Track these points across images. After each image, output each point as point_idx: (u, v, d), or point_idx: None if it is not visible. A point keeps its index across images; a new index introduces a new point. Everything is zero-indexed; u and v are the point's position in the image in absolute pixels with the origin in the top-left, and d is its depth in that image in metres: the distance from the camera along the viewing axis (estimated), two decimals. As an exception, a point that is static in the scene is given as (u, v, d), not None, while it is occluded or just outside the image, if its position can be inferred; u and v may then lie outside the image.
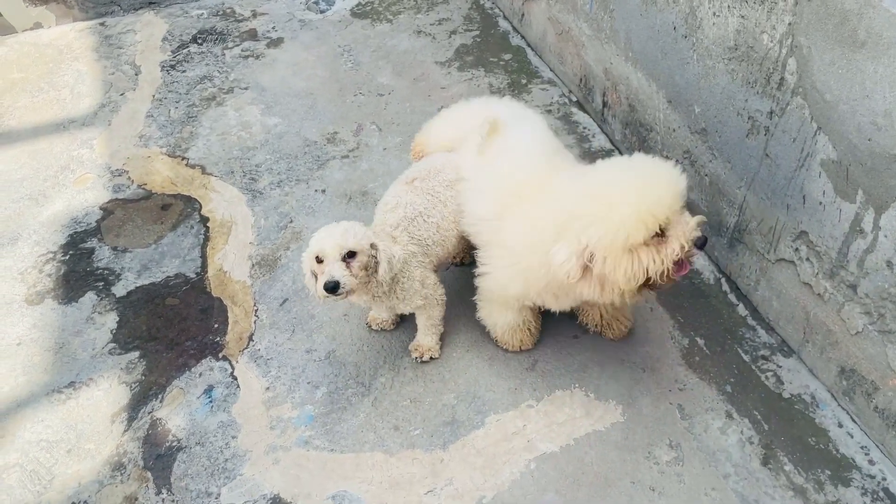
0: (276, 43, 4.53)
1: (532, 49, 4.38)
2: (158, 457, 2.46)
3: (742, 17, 2.44)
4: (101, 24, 4.75)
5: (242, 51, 4.46)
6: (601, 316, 2.69)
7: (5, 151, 3.76)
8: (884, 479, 2.31)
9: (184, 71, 4.30)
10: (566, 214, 2.09)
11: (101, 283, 3.06)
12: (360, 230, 2.29)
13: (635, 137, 3.42)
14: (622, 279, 2.03)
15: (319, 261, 2.24)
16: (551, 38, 4.09)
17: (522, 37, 4.49)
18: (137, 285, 3.05)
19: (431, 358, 2.70)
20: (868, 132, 2.05)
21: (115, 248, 3.22)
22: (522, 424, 2.51)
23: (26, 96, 4.12)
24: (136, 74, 4.28)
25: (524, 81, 4.12)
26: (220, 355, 2.77)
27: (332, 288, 2.18)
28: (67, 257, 3.18)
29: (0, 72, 4.32)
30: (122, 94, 4.13)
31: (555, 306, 2.48)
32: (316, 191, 3.47)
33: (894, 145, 1.98)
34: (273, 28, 4.67)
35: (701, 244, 2.06)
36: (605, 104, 3.66)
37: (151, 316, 2.93)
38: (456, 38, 4.51)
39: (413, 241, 2.48)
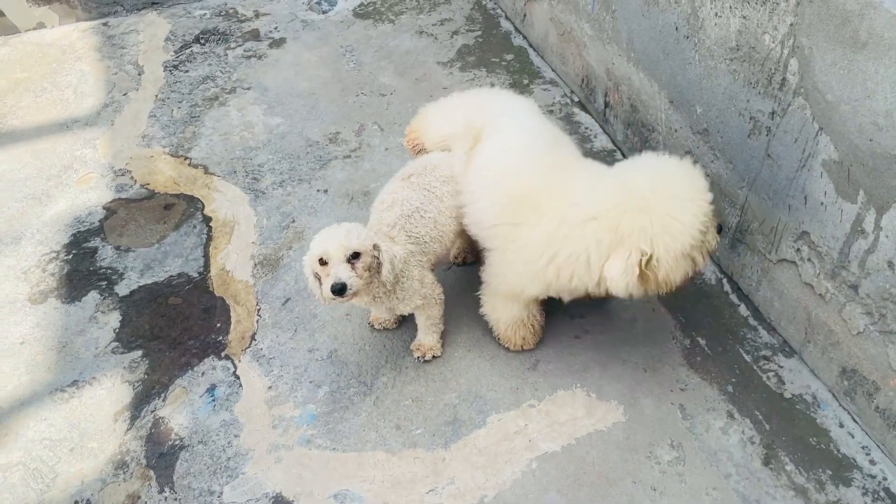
0: (278, 43, 4.54)
1: (534, 49, 4.38)
2: (161, 455, 2.47)
3: (744, 17, 2.45)
4: (104, 24, 4.76)
5: (245, 51, 4.47)
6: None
7: (9, 151, 3.77)
8: (885, 478, 2.31)
9: (186, 71, 4.31)
10: (615, 229, 2.13)
11: (104, 283, 3.07)
12: (363, 231, 2.29)
13: (637, 138, 3.42)
14: (679, 279, 2.19)
15: (323, 263, 2.23)
16: (553, 38, 4.09)
17: (524, 37, 4.49)
18: (140, 284, 3.06)
19: (434, 357, 2.71)
20: (869, 132, 2.05)
21: (118, 248, 3.23)
22: (524, 424, 2.51)
23: (30, 96, 4.14)
24: (139, 74, 4.29)
25: (526, 82, 4.13)
26: (223, 354, 2.78)
27: (340, 290, 2.17)
28: (70, 257, 3.19)
29: (3, 72, 4.33)
30: (125, 94, 4.14)
31: (568, 298, 2.53)
32: (318, 191, 3.47)
33: (895, 146, 1.98)
34: (275, 28, 4.68)
35: (720, 229, 2.27)
36: (606, 104, 3.67)
37: (154, 315, 2.94)
38: (458, 39, 4.52)
39: (411, 239, 2.48)
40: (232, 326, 2.88)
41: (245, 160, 3.67)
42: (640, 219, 2.10)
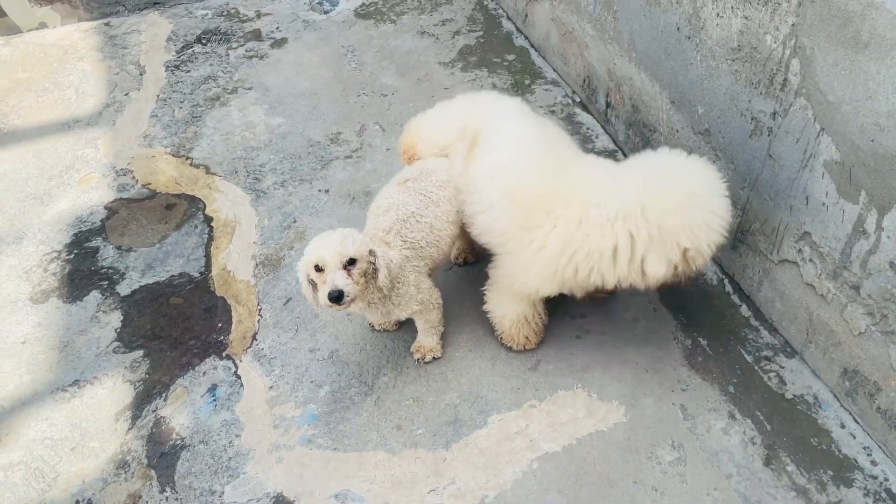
0: (280, 43, 4.55)
1: (535, 50, 4.38)
2: (162, 455, 2.47)
3: (745, 17, 2.44)
4: (106, 24, 4.76)
5: (246, 51, 4.48)
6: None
7: (10, 151, 3.78)
8: (886, 479, 2.31)
9: (188, 71, 4.31)
10: (658, 226, 2.18)
11: (106, 283, 3.07)
12: (358, 236, 2.26)
13: (639, 138, 3.42)
14: (703, 267, 2.33)
15: (318, 269, 2.21)
16: (555, 38, 4.09)
17: (526, 37, 4.49)
18: (142, 284, 3.06)
19: (434, 358, 2.71)
20: (871, 133, 2.05)
21: (119, 248, 3.23)
22: (525, 424, 2.51)
23: (31, 96, 4.14)
24: (141, 74, 4.30)
25: (527, 82, 4.13)
26: (224, 354, 2.78)
27: (337, 297, 2.15)
28: (72, 256, 3.19)
29: (5, 72, 4.34)
30: (126, 94, 4.15)
31: (580, 295, 2.55)
32: (319, 191, 3.48)
33: (897, 146, 1.98)
34: (277, 28, 4.69)
35: None
36: (608, 105, 3.67)
37: (155, 315, 2.94)
38: (459, 39, 4.52)
39: (406, 244, 2.45)
40: (233, 326, 2.89)
41: (246, 160, 3.67)
42: (689, 215, 2.18)
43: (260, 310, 2.94)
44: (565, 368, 2.68)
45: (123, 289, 3.05)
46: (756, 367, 2.65)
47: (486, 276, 2.67)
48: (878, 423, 2.37)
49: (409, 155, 2.83)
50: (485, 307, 2.71)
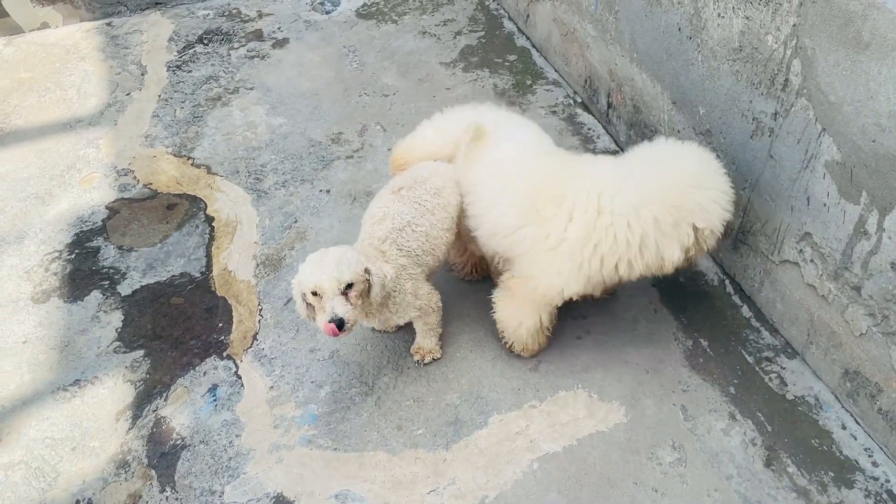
0: (281, 43, 4.55)
1: (537, 50, 4.38)
2: (162, 455, 2.47)
3: (747, 18, 2.44)
4: (108, 24, 4.77)
5: (248, 51, 4.48)
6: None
7: (12, 151, 3.78)
8: (887, 481, 2.31)
9: (190, 71, 4.32)
10: (679, 206, 2.24)
11: (107, 282, 3.08)
12: (352, 257, 2.23)
13: (640, 139, 3.42)
14: (714, 248, 2.40)
15: (315, 294, 2.20)
16: (556, 39, 4.09)
17: (527, 38, 4.49)
18: (143, 284, 3.06)
19: (433, 359, 2.71)
20: (872, 133, 2.04)
21: (120, 248, 3.24)
22: (525, 425, 2.51)
23: (33, 96, 4.15)
24: (143, 74, 4.30)
25: (529, 82, 4.13)
26: (225, 354, 2.78)
27: (338, 326, 2.16)
28: (73, 256, 3.20)
29: (7, 71, 4.34)
30: (128, 94, 4.15)
31: (597, 293, 2.56)
32: (320, 191, 3.48)
33: (899, 147, 1.98)
34: (279, 28, 4.69)
35: None
36: (609, 105, 3.67)
37: (156, 315, 2.94)
38: (461, 39, 4.52)
39: (402, 253, 2.44)
40: (234, 326, 2.89)
41: (248, 160, 3.67)
42: (700, 195, 2.24)
43: (261, 310, 2.94)
44: (566, 369, 2.68)
45: (124, 288, 3.05)
46: (757, 368, 2.64)
47: (486, 277, 2.67)
48: (879, 424, 2.37)
49: (399, 164, 2.83)
50: (496, 317, 2.66)
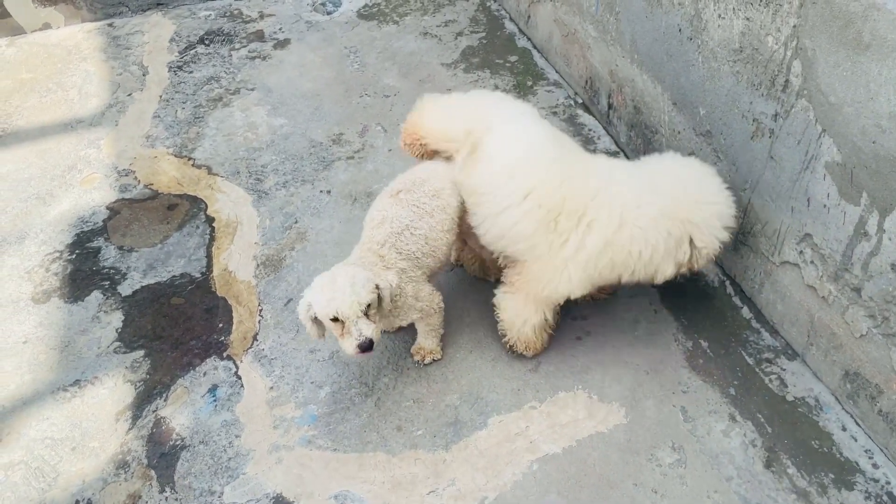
0: (282, 44, 4.55)
1: (538, 51, 4.38)
2: (162, 455, 2.48)
3: (747, 19, 2.44)
4: (110, 24, 4.77)
5: (249, 52, 4.48)
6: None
7: (14, 151, 3.79)
8: (888, 482, 2.30)
9: (191, 72, 4.32)
10: (686, 221, 2.35)
11: (107, 283, 3.08)
12: (362, 276, 2.23)
13: (640, 140, 3.42)
14: (705, 266, 2.52)
15: (336, 320, 2.21)
16: (557, 39, 4.09)
17: (528, 39, 4.49)
18: (143, 284, 3.07)
19: (434, 360, 2.71)
20: (872, 134, 2.04)
21: (121, 248, 3.24)
22: (525, 425, 2.51)
23: (35, 96, 4.15)
24: (144, 75, 4.31)
25: (530, 83, 4.13)
26: (225, 355, 2.78)
27: (369, 347, 2.20)
28: (74, 256, 3.20)
29: (9, 72, 4.35)
30: (129, 95, 4.15)
31: (594, 291, 2.63)
32: (321, 191, 3.48)
33: (899, 148, 1.97)
34: (280, 29, 4.69)
35: None
36: (610, 106, 3.67)
37: (156, 315, 2.94)
38: (462, 40, 4.52)
39: (402, 256, 2.44)
40: (234, 327, 2.89)
41: (248, 161, 3.68)
42: (703, 212, 2.34)
43: (261, 310, 2.94)
44: (566, 370, 2.68)
45: (125, 289, 3.05)
46: (757, 370, 2.64)
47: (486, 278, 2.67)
48: (879, 425, 2.36)
49: (410, 141, 2.79)
50: (501, 317, 2.65)
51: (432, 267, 2.56)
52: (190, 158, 3.71)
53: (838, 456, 2.38)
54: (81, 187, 3.55)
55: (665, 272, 2.40)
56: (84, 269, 3.14)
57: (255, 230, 3.30)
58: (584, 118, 3.86)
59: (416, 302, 2.49)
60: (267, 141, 3.80)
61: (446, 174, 2.62)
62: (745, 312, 2.83)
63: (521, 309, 2.57)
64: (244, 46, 4.54)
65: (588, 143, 3.69)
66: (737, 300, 2.88)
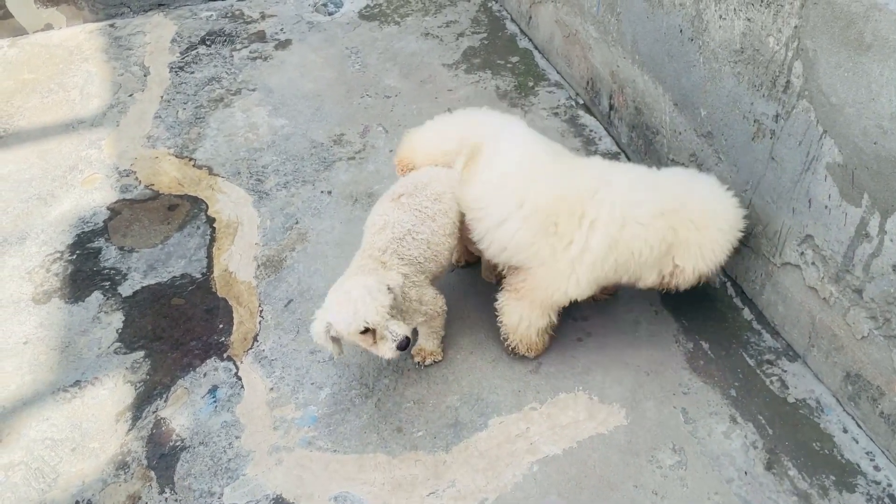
0: (284, 45, 4.55)
1: (539, 52, 4.38)
2: (162, 456, 2.47)
3: (748, 20, 2.43)
4: (111, 25, 4.78)
5: (250, 52, 4.48)
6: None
7: (15, 151, 3.79)
8: (889, 484, 2.29)
9: (192, 72, 4.32)
10: (674, 230, 2.34)
11: (108, 283, 3.08)
12: (374, 283, 2.25)
13: (641, 140, 3.41)
14: (684, 287, 2.47)
15: (366, 331, 2.22)
16: (558, 40, 4.09)
17: (530, 39, 4.49)
18: (143, 285, 3.07)
19: (434, 361, 2.70)
20: (874, 135, 2.04)
21: (121, 248, 3.24)
22: (525, 427, 2.50)
23: (36, 97, 4.15)
24: (145, 75, 4.31)
25: (531, 84, 4.12)
26: (225, 355, 2.78)
27: (408, 344, 2.24)
28: (74, 257, 3.20)
29: (11, 72, 4.35)
30: (130, 95, 4.16)
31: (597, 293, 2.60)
32: (322, 192, 3.48)
33: (900, 149, 1.97)
34: (281, 30, 4.69)
35: None
36: (611, 107, 3.66)
37: (157, 316, 2.94)
38: (463, 41, 4.51)
39: (404, 262, 2.43)
40: (234, 327, 2.89)
41: (249, 161, 3.68)
42: (691, 233, 2.33)
43: (261, 311, 2.94)
44: (566, 371, 2.67)
45: (125, 289, 3.05)
46: (758, 371, 2.63)
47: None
48: (880, 427, 2.36)
49: (403, 167, 2.81)
50: (503, 321, 2.64)
51: (434, 271, 2.55)
52: (191, 159, 3.71)
53: (839, 458, 2.37)
54: (82, 188, 3.55)
55: (646, 281, 2.43)
56: (85, 270, 3.14)
57: (256, 231, 3.29)
58: (586, 119, 3.86)
59: (421, 306, 2.48)
60: (268, 141, 3.80)
61: (448, 178, 2.62)
62: (746, 314, 2.83)
63: (525, 313, 2.55)
64: (245, 47, 4.54)
65: (589, 144, 3.69)
66: (738, 301, 2.88)
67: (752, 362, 2.66)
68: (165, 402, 2.64)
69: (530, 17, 4.41)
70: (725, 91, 2.65)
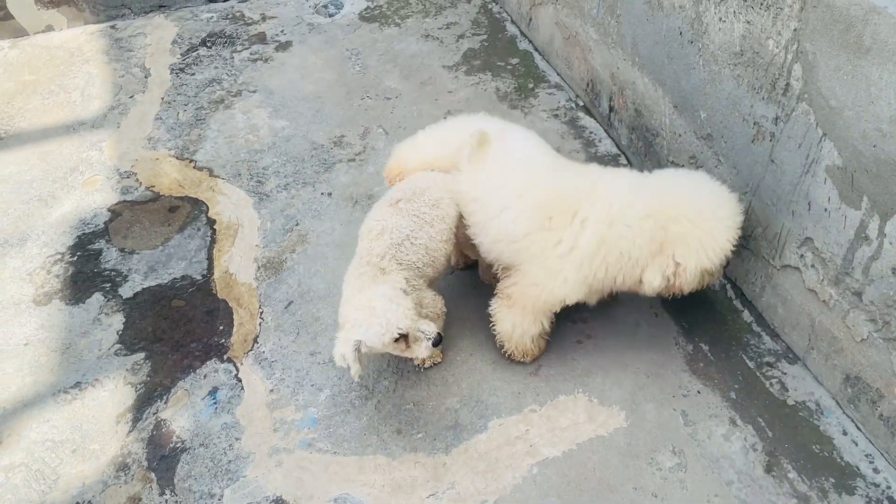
0: (284, 46, 4.56)
1: (539, 53, 4.38)
2: (162, 458, 2.48)
3: (748, 22, 2.44)
4: (112, 27, 4.79)
5: (251, 54, 4.49)
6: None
7: (16, 153, 3.79)
8: (888, 487, 2.30)
9: (193, 74, 4.33)
10: (664, 228, 2.30)
11: (108, 285, 3.08)
12: (389, 289, 2.26)
13: (641, 142, 3.42)
14: (689, 290, 2.38)
15: (399, 338, 2.23)
16: (558, 42, 4.09)
17: (530, 41, 4.49)
18: (144, 287, 3.07)
19: (434, 364, 2.71)
20: (873, 138, 2.04)
21: (122, 250, 3.24)
22: (525, 429, 2.51)
23: (37, 98, 4.16)
24: (146, 77, 4.31)
25: (531, 86, 4.13)
26: (225, 357, 2.79)
27: (440, 339, 2.28)
28: (75, 258, 3.20)
29: (12, 74, 4.36)
30: (131, 97, 4.16)
31: (593, 301, 2.56)
32: (322, 194, 3.48)
33: (899, 152, 1.97)
34: (282, 31, 4.70)
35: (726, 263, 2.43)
36: (611, 109, 3.66)
37: (157, 317, 2.94)
38: (463, 43, 4.52)
39: (402, 266, 2.43)
40: (234, 329, 2.89)
41: (250, 163, 3.68)
42: (686, 228, 2.27)
43: (261, 313, 2.95)
44: (566, 373, 2.68)
45: (126, 291, 3.05)
46: (758, 373, 2.63)
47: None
48: (880, 430, 2.36)
49: (392, 179, 2.81)
50: (497, 328, 2.63)
51: (432, 276, 2.56)
52: (191, 160, 3.71)
53: (839, 460, 2.37)
54: (83, 189, 3.56)
55: (651, 283, 2.35)
56: (85, 272, 3.14)
57: (256, 232, 3.30)
58: (586, 121, 3.86)
59: (421, 309, 2.49)
60: (268, 143, 3.80)
61: (445, 184, 2.62)
62: (746, 316, 2.83)
63: (518, 320, 2.56)
64: (246, 49, 4.54)
65: (589, 146, 3.69)
66: (737, 304, 2.88)
67: (751, 365, 2.66)
68: (166, 403, 2.64)
69: (530, 19, 4.41)
70: (725, 93, 2.66)
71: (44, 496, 2.39)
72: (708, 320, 2.82)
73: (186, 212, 3.42)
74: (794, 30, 2.24)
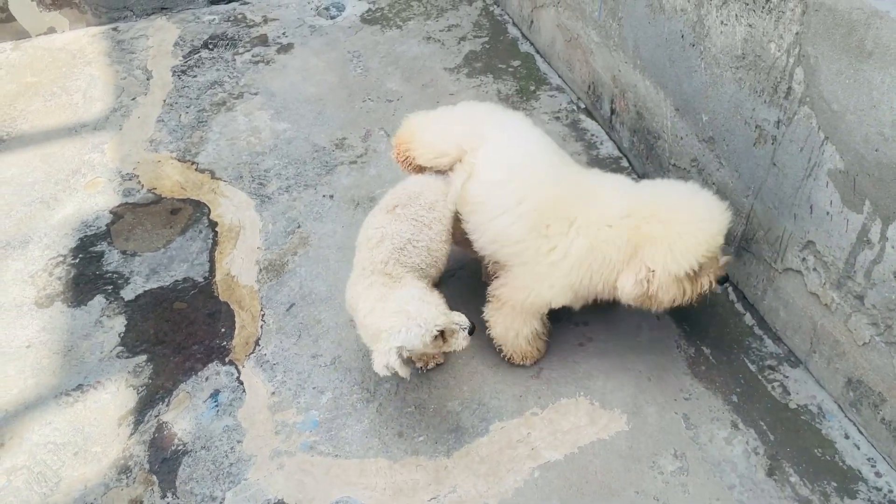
0: (286, 48, 4.56)
1: (541, 56, 4.38)
2: (164, 460, 2.48)
3: (750, 26, 2.44)
4: (114, 29, 4.79)
5: (253, 56, 4.49)
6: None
7: (18, 155, 3.80)
8: (890, 491, 2.29)
9: (195, 76, 4.33)
10: (636, 229, 2.28)
11: (110, 287, 3.09)
12: (417, 289, 2.29)
13: (643, 145, 3.42)
14: (667, 301, 2.33)
15: (437, 335, 2.24)
16: (560, 45, 4.09)
17: (531, 43, 4.49)
18: (146, 289, 3.07)
19: (436, 365, 2.71)
20: (875, 142, 2.04)
21: (124, 252, 3.25)
22: (527, 432, 2.51)
23: (39, 100, 4.16)
24: (148, 79, 4.32)
25: (532, 88, 4.13)
26: (227, 360, 2.79)
27: (474, 328, 2.31)
28: (77, 261, 3.21)
29: (14, 76, 4.37)
30: (133, 99, 4.17)
31: (578, 306, 2.56)
32: (324, 196, 3.48)
33: (901, 156, 1.97)
34: (283, 34, 4.70)
35: (722, 281, 2.40)
36: (613, 111, 3.66)
37: (159, 320, 2.95)
38: (465, 45, 4.52)
39: (407, 269, 2.44)
40: (236, 331, 2.89)
41: (251, 165, 3.68)
42: (656, 228, 2.24)
43: (263, 315, 2.95)
44: (568, 376, 2.68)
45: (128, 293, 3.06)
46: (760, 377, 2.63)
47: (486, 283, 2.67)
48: (882, 434, 2.36)
49: (401, 152, 2.75)
50: (492, 333, 2.64)
51: (433, 276, 2.57)
52: (193, 163, 3.72)
53: (841, 464, 2.37)
54: (85, 191, 3.56)
55: (624, 287, 2.30)
56: (87, 274, 3.15)
57: (258, 235, 3.30)
58: (587, 123, 3.86)
59: None
60: (270, 145, 3.81)
61: (438, 186, 2.62)
62: (748, 319, 2.83)
63: (509, 322, 2.57)
64: (248, 51, 4.55)
65: (590, 149, 3.69)
66: (739, 307, 2.88)
67: (753, 368, 2.66)
68: (167, 406, 2.64)
69: (532, 22, 4.42)
70: (727, 96, 2.66)
71: (45, 499, 2.39)
72: (709, 323, 2.82)
73: (188, 214, 3.43)
74: (796, 33, 2.24)
